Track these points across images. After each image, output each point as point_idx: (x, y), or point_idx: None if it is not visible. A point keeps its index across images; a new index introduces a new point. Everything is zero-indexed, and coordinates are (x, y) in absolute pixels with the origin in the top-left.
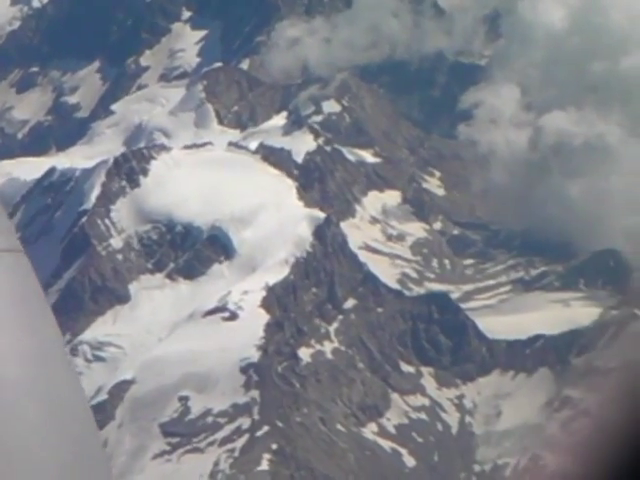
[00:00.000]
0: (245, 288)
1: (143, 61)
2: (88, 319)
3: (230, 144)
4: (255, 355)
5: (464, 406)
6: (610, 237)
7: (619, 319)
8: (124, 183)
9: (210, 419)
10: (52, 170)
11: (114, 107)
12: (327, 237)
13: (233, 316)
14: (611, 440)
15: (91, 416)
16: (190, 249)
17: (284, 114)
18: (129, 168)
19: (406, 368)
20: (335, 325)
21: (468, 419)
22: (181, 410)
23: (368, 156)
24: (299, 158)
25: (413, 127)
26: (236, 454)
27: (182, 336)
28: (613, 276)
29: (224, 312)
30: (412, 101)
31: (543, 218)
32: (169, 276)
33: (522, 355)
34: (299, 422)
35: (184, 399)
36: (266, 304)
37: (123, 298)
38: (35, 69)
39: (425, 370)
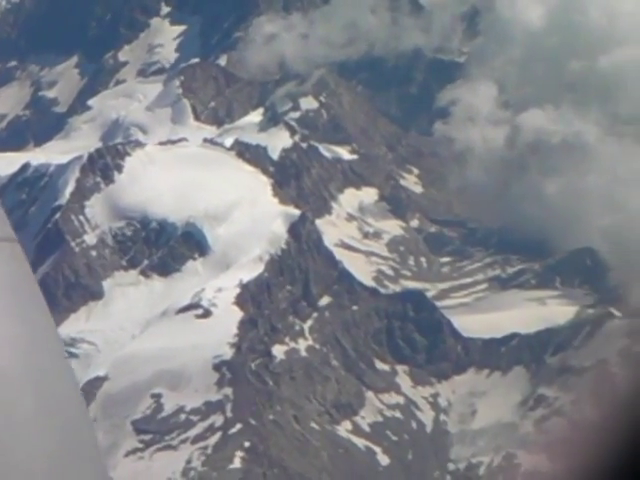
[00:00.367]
0: (219, 285)
1: (121, 56)
2: (61, 315)
3: (205, 140)
4: (228, 352)
5: (439, 404)
6: (587, 236)
7: (595, 318)
8: (98, 179)
9: (183, 416)
10: (26, 165)
11: (91, 102)
12: (302, 234)
13: (207, 313)
14: (588, 438)
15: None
16: (164, 246)
17: (261, 110)
18: (103, 164)
19: (381, 366)
20: (309, 323)
21: (443, 417)
22: (154, 407)
23: (345, 153)
24: (275, 155)
25: (390, 124)
26: (209, 452)
27: (155, 333)
28: (589, 275)
29: (198, 309)
30: (390, 98)
31: (520, 216)
32: (143, 273)
33: (497, 353)
34: (272, 420)
35: (157, 396)
36: (240, 301)
37: (97, 294)
38: (13, 63)
39: (400, 368)
